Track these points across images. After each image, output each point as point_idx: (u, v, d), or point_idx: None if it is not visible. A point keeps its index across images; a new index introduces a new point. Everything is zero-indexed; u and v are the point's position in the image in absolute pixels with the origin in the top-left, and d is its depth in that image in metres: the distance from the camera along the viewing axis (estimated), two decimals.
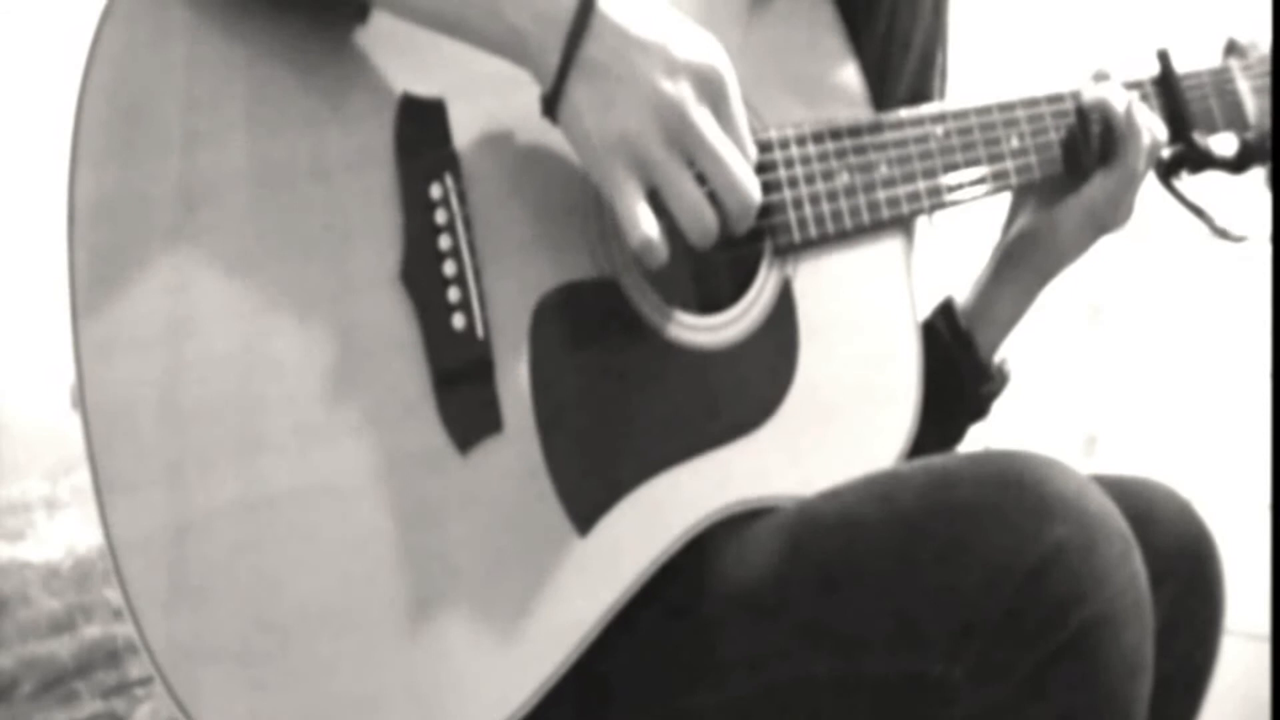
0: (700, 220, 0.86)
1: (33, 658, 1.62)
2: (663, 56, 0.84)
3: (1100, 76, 1.18)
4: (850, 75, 1.08)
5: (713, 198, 0.87)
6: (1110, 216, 1.15)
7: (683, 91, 0.84)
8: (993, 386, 1.18)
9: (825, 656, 0.88)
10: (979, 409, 1.19)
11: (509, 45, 0.85)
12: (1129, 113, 1.13)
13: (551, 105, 0.86)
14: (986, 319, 1.18)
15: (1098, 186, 1.14)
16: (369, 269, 0.86)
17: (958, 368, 1.16)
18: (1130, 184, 1.14)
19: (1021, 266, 1.18)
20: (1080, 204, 1.14)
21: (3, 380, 1.67)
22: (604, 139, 0.84)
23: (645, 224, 0.85)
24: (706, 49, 0.86)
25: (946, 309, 1.18)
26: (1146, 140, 1.13)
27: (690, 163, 0.86)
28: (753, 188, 0.87)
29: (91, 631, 1.65)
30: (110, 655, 1.65)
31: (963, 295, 1.20)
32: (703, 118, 0.85)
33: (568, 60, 0.83)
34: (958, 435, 1.20)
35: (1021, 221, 1.19)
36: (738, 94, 0.87)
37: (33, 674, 1.61)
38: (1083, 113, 1.14)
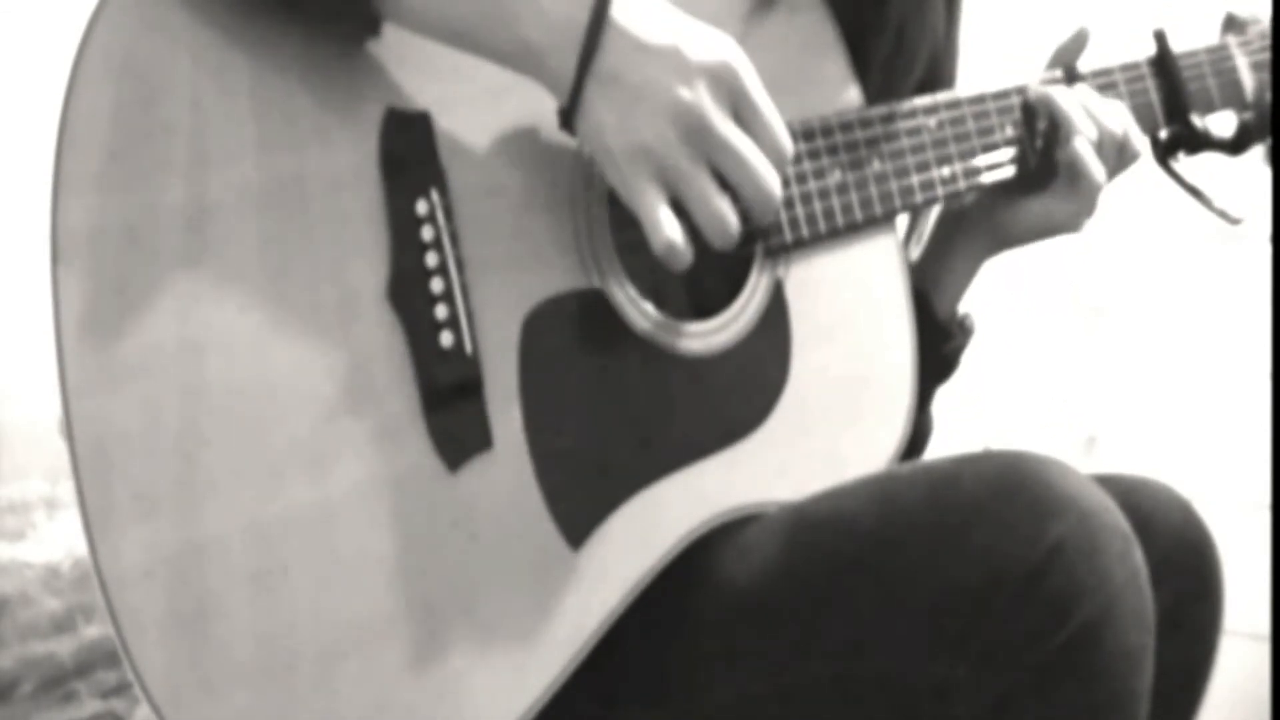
0: (721, 224, 0.87)
1: (33, 658, 1.61)
2: (677, 61, 0.84)
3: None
4: (848, 84, 1.06)
5: (734, 194, 0.87)
6: (1069, 225, 1.11)
7: (699, 95, 0.84)
8: (955, 343, 1.16)
9: (826, 657, 0.88)
10: (944, 368, 1.16)
11: (521, 57, 0.85)
12: (1068, 117, 1.07)
13: (568, 117, 0.85)
14: (941, 282, 1.16)
15: (1059, 199, 1.09)
16: (359, 288, 0.85)
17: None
18: (1087, 194, 1.08)
19: (975, 236, 1.15)
20: (1041, 208, 1.10)
21: (3, 381, 1.67)
22: (624, 150, 0.85)
23: (668, 229, 0.85)
24: (719, 47, 0.86)
25: None
26: (1093, 136, 1.08)
27: (711, 163, 0.86)
28: (773, 184, 0.87)
29: (91, 631, 1.64)
30: (110, 655, 1.64)
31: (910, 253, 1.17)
32: (720, 119, 0.85)
33: (583, 72, 0.83)
34: (925, 399, 1.16)
35: (980, 196, 1.14)
36: (758, 84, 0.87)
37: (33, 674, 1.61)
38: (1029, 108, 1.10)
